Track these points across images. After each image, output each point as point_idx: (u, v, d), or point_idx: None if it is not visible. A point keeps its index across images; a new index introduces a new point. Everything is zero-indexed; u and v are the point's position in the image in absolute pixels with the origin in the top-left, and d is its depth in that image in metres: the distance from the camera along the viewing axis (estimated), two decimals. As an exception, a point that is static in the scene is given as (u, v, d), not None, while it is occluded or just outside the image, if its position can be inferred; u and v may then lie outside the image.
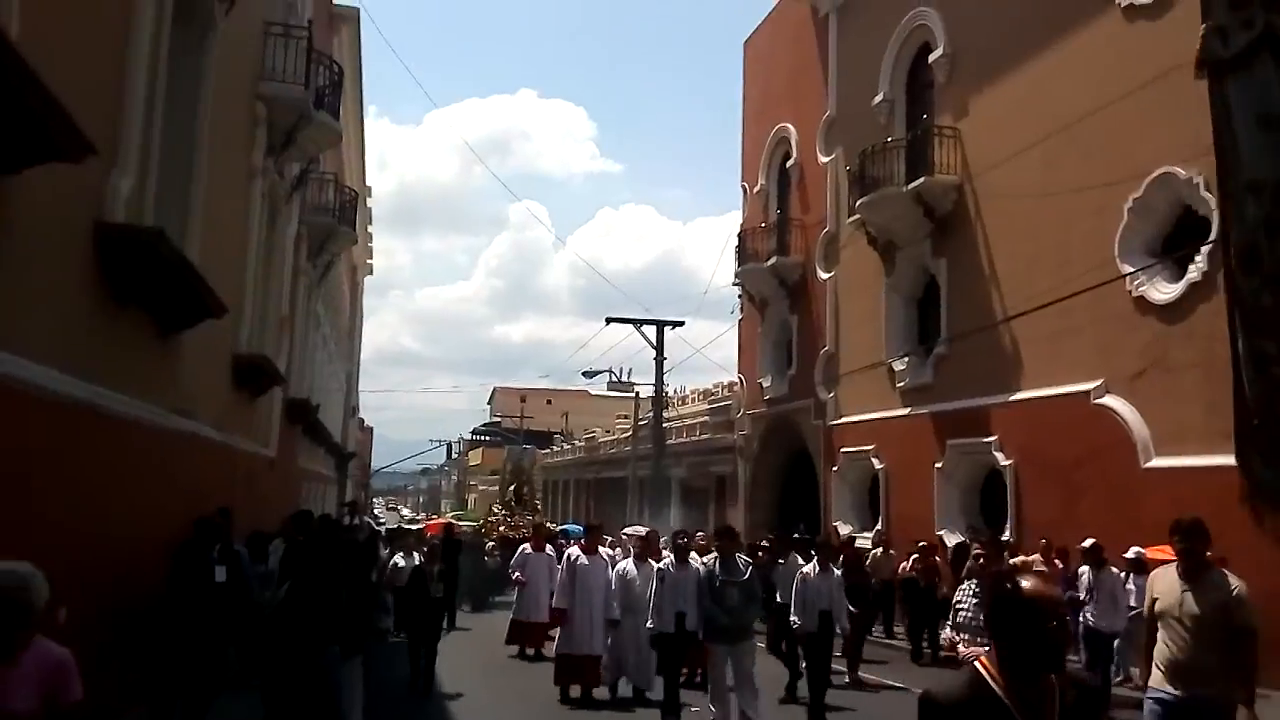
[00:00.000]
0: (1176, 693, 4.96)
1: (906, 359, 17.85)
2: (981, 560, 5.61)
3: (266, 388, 12.58)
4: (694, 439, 29.20)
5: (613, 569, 10.19)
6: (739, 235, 24.39)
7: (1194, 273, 11.84)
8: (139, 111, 6.38)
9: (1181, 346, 11.98)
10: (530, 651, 12.82)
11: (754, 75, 26.31)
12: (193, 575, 6.86)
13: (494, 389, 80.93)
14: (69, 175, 4.70)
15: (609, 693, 9.97)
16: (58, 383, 5.14)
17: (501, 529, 24.51)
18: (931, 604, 13.36)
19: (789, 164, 23.50)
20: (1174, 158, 12.14)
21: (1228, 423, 10.96)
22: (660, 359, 25.35)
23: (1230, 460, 10.78)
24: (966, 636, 5.37)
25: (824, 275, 21.23)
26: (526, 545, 13.75)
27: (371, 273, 44.41)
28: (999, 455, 15.13)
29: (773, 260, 22.71)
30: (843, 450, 19.79)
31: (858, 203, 18.32)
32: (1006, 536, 14.28)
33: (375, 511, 62.24)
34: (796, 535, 13.91)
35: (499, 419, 68.31)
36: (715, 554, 8.58)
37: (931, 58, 17.64)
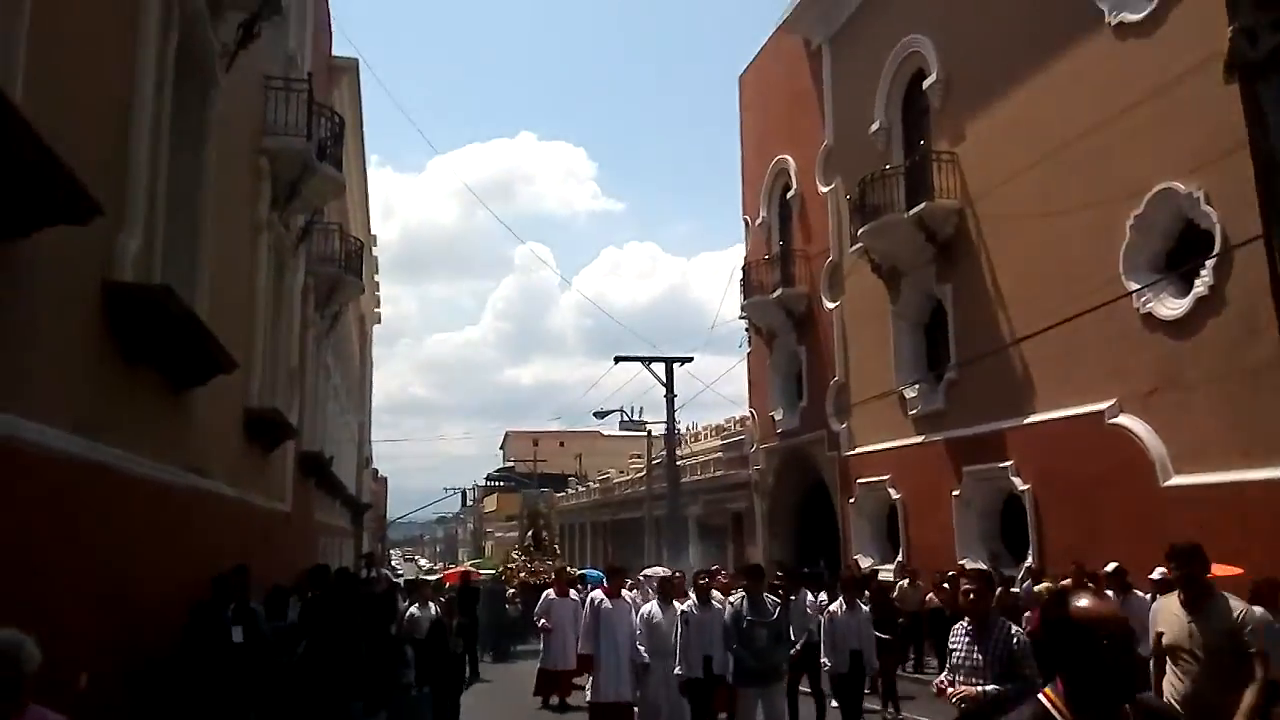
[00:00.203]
0: None
1: (917, 386, 17.78)
2: (971, 596, 5.48)
3: (279, 441, 12.56)
4: (708, 476, 29.06)
5: (637, 612, 10.05)
6: (743, 268, 24.46)
7: (1200, 287, 11.79)
8: (144, 170, 6.44)
9: (1193, 362, 11.91)
10: (555, 701, 12.63)
11: (750, 109, 26.53)
12: (209, 636, 6.81)
13: (506, 433, 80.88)
14: (76, 236, 4.73)
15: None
16: (68, 444, 5.13)
17: (522, 575, 24.32)
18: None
19: (789, 195, 23.62)
20: (1173, 173, 12.15)
21: (1247, 437, 10.86)
22: (670, 396, 25.26)
23: (1252, 475, 10.65)
24: (961, 677, 5.24)
25: (830, 305, 21.23)
26: (550, 591, 13.58)
27: (380, 321, 44.62)
28: (1016, 480, 14.99)
29: (778, 292, 22.75)
30: (859, 481, 19.66)
31: (860, 231, 18.37)
32: (1029, 563, 14.12)
33: (393, 563, 61.95)
34: (806, 570, 13.75)
35: (512, 463, 68.20)
36: (742, 593, 8.46)
37: (925, 84, 17.77)
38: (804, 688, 10.42)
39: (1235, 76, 4.05)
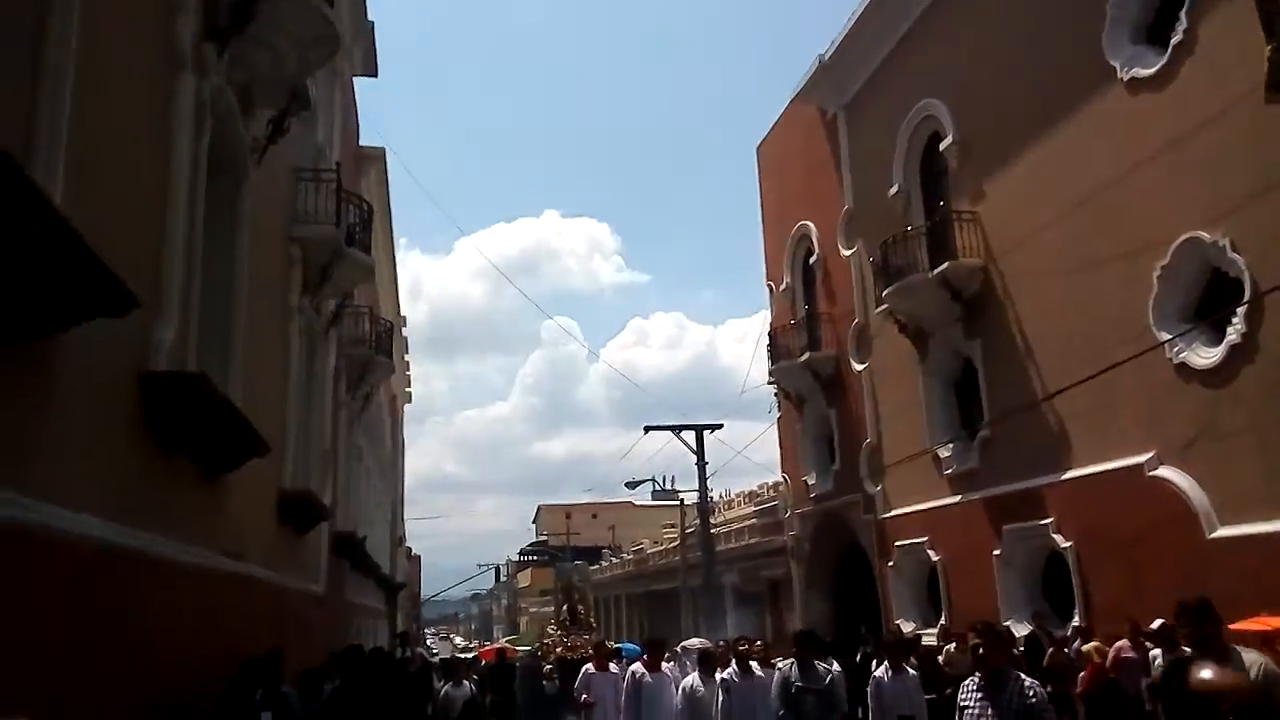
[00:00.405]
0: None
1: (951, 445, 17.60)
2: (981, 652, 5.35)
3: (313, 523, 12.61)
4: (743, 543, 28.72)
5: (676, 686, 9.90)
6: (769, 334, 24.50)
7: (1233, 335, 11.67)
8: (179, 262, 6.62)
9: (1230, 412, 11.73)
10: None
11: (770, 177, 26.86)
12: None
13: (538, 507, 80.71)
14: (113, 328, 4.86)
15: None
16: (102, 530, 5.20)
17: (559, 650, 24.02)
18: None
19: (812, 260, 23.76)
20: (1197, 222, 12.13)
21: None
22: (702, 464, 25.16)
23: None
24: None
25: (858, 367, 21.18)
26: (589, 665, 13.41)
27: (411, 400, 44.92)
28: (1058, 537, 14.71)
29: (805, 356, 22.72)
30: (896, 543, 19.36)
31: (884, 292, 18.40)
32: (1077, 621, 13.79)
33: (428, 642, 61.40)
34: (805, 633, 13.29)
35: (545, 537, 67.88)
36: (792, 660, 8.32)
37: (942, 146, 17.96)
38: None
39: (1278, 94, 4.04)
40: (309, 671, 9.55)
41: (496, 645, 32.96)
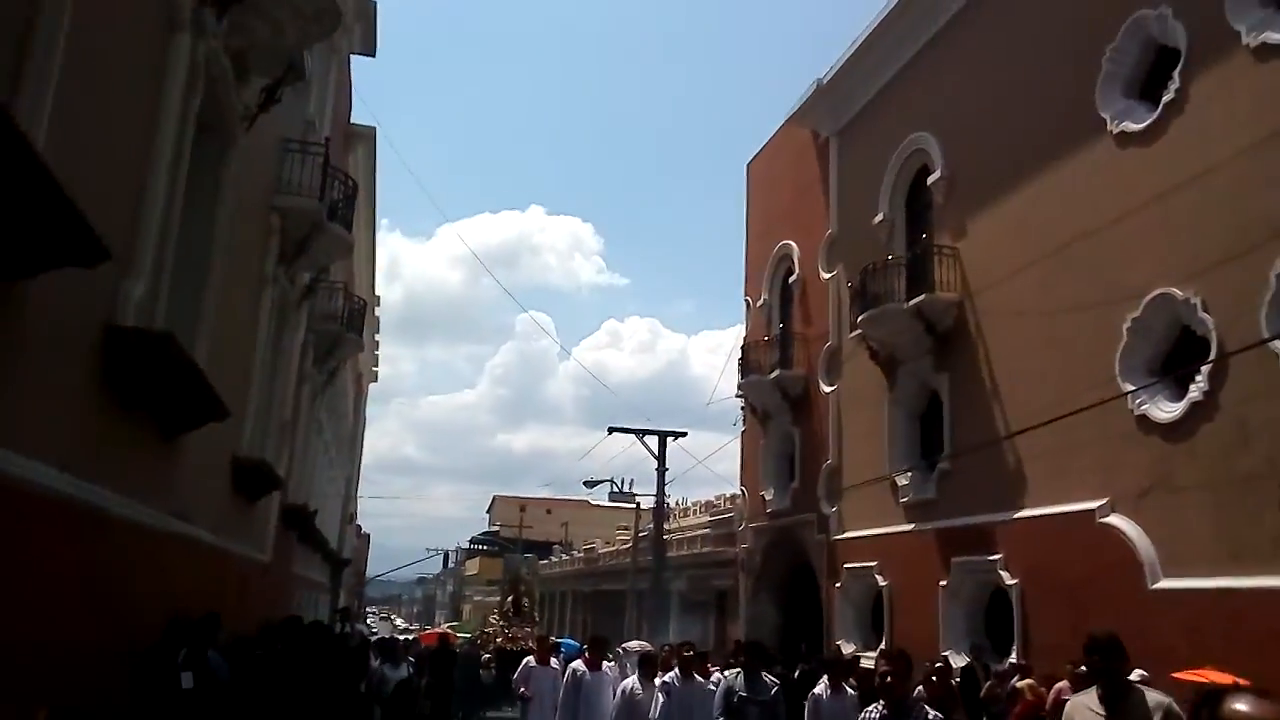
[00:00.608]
0: None
1: (909, 474, 17.74)
2: (889, 679, 5.36)
3: (265, 492, 12.49)
4: (695, 551, 28.80)
5: (615, 686, 9.91)
6: (742, 348, 24.59)
7: (1195, 393, 11.86)
8: (156, 220, 6.54)
9: (1185, 466, 11.92)
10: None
11: (757, 195, 26.98)
12: (157, 681, 6.61)
13: (494, 498, 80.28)
14: (82, 279, 4.79)
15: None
16: (55, 480, 5.13)
17: (499, 640, 23.95)
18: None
19: (791, 280, 23.87)
20: (1171, 278, 12.32)
21: (1236, 544, 10.83)
22: (662, 469, 25.23)
23: (1241, 583, 10.59)
24: None
25: (827, 389, 21.30)
26: (530, 658, 13.38)
27: (376, 380, 44.61)
28: (1004, 574, 14.87)
29: (776, 373, 22.82)
30: (846, 566, 19.49)
31: (859, 318, 18.53)
32: (1014, 659, 13.94)
33: (368, 620, 60.96)
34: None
35: (498, 528, 67.57)
36: (739, 669, 8.34)
37: (930, 180, 18.11)
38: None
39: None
40: (240, 639, 9.42)
41: (439, 630, 32.77)
